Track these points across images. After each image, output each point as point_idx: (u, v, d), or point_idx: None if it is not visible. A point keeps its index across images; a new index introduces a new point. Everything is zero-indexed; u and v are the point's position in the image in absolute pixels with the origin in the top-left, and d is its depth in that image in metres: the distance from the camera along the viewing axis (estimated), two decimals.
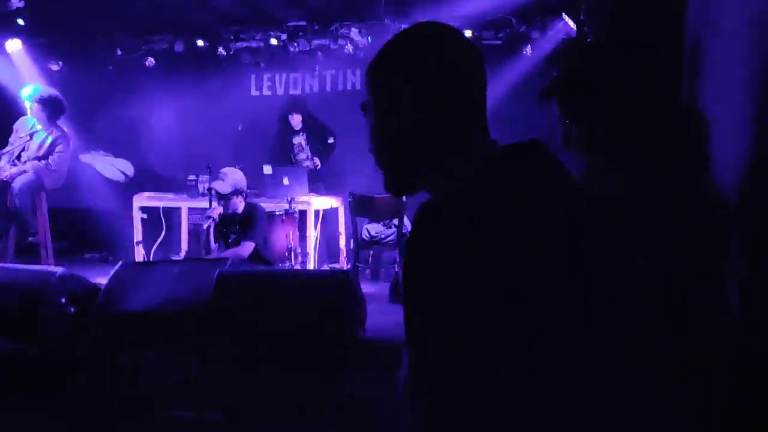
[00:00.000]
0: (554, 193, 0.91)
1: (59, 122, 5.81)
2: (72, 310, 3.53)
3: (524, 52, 6.39)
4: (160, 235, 6.19)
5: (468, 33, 6.44)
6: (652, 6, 2.46)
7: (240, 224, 4.51)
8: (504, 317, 0.84)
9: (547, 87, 1.51)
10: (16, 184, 5.47)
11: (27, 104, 5.69)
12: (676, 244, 1.29)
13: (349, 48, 6.92)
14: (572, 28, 5.75)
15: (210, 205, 4.61)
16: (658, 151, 1.43)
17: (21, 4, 6.07)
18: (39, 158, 5.63)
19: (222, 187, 4.38)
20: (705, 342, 1.29)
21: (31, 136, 5.61)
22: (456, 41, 1.03)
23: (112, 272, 3.66)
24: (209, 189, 4.47)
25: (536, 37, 6.25)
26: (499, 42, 6.51)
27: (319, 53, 7.11)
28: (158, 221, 6.18)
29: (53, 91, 5.83)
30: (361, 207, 5.21)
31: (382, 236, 5.28)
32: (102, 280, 5.18)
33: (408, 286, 1.01)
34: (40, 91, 5.74)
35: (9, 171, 5.57)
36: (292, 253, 5.15)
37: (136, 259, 6.03)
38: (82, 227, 7.31)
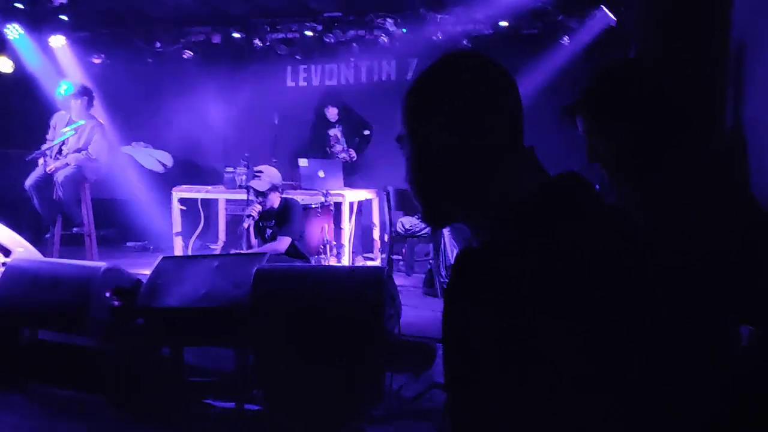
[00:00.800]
0: (584, 228, 0.91)
1: (93, 112, 5.99)
2: (116, 303, 3.64)
3: (562, 42, 6.29)
4: (198, 226, 6.30)
5: (504, 23, 6.38)
6: (695, 10, 2.40)
7: (276, 219, 4.58)
8: (529, 354, 0.85)
9: (573, 103, 1.49)
10: (60, 176, 5.64)
11: (67, 100, 5.86)
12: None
13: (385, 39, 6.91)
14: (611, 18, 5.65)
15: (247, 200, 4.68)
16: (680, 170, 1.41)
17: (64, 0, 6.21)
18: (79, 150, 5.80)
19: (259, 185, 4.44)
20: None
21: (74, 130, 5.76)
22: (483, 74, 1.02)
23: (153, 267, 3.74)
24: (247, 187, 4.55)
25: (574, 26, 6.15)
26: (536, 31, 6.43)
27: (355, 44, 7.11)
28: (196, 212, 6.29)
29: (84, 82, 6.03)
30: (396, 200, 5.24)
31: (417, 229, 5.30)
32: (143, 270, 5.32)
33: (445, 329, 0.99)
34: (74, 84, 5.92)
35: (53, 164, 5.73)
36: (328, 246, 5.20)
37: (175, 250, 6.16)
38: (123, 217, 7.50)
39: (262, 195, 4.46)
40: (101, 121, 6.02)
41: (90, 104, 5.93)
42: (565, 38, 6.24)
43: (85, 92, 5.87)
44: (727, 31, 2.27)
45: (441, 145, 1.01)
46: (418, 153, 1.04)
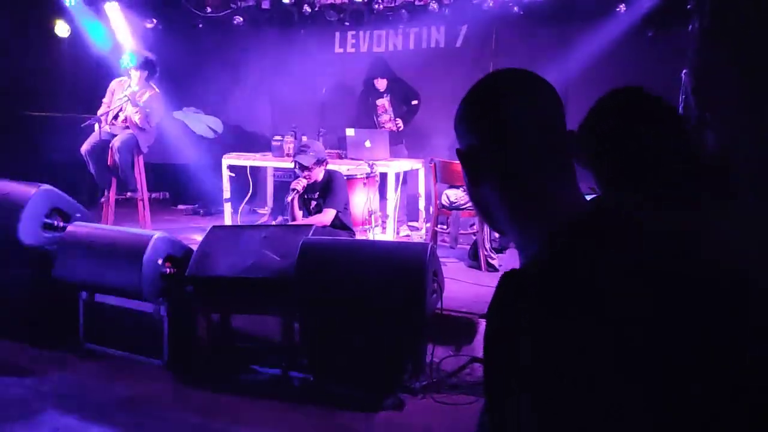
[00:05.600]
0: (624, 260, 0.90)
1: (152, 82, 6.09)
2: (168, 270, 3.77)
3: (618, 10, 6.08)
4: (247, 192, 6.42)
5: None
6: None
7: (320, 191, 4.64)
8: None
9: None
10: (116, 142, 5.80)
11: (129, 69, 5.96)
12: None
13: (434, 5, 6.80)
14: None
15: (294, 173, 4.74)
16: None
17: None
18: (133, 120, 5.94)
19: (306, 159, 4.49)
20: None
21: (130, 99, 5.89)
22: (526, 90, 1.02)
23: (203, 235, 3.85)
24: (294, 163, 4.60)
25: None
26: None
27: (404, 10, 7.03)
28: (245, 178, 6.41)
29: (149, 54, 6.11)
30: (441, 172, 5.22)
31: (462, 202, 5.28)
32: (193, 235, 5.47)
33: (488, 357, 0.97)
34: (139, 55, 6.01)
35: (109, 131, 5.91)
36: (373, 217, 5.25)
37: (225, 215, 6.31)
38: (175, 181, 7.70)
39: (307, 169, 4.52)
40: (158, 90, 6.11)
41: (151, 74, 6.03)
42: (621, 6, 6.03)
43: (147, 65, 5.96)
44: None
45: (484, 157, 1.03)
46: (465, 166, 1.06)
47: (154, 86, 6.07)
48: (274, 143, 5.99)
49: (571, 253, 0.90)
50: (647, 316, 0.84)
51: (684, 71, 2.00)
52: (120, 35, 7.33)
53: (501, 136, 1.01)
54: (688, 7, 4.35)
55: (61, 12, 7.19)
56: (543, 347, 0.85)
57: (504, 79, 1.05)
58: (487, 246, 5.20)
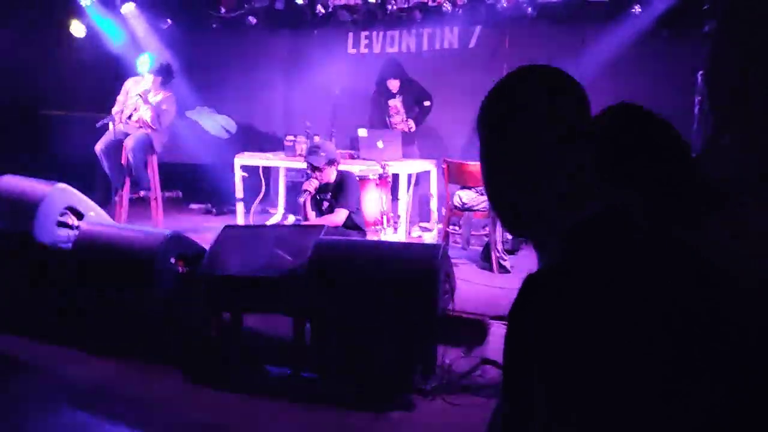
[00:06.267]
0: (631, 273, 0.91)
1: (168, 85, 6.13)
2: (180, 269, 3.79)
3: (633, 11, 6.04)
4: (259, 192, 6.44)
5: None
6: None
7: (332, 192, 4.64)
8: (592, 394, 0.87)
9: None
10: (129, 141, 5.83)
11: (145, 74, 6.00)
12: None
13: (447, 6, 6.79)
14: None
15: (306, 174, 4.76)
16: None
17: None
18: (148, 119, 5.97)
19: (317, 160, 4.50)
20: None
21: (142, 96, 5.92)
22: (548, 95, 1.01)
23: (215, 234, 3.86)
24: (306, 164, 4.61)
25: None
26: None
27: (417, 11, 7.02)
28: (258, 178, 6.43)
29: (166, 59, 6.14)
30: (454, 173, 5.21)
31: (474, 203, 5.27)
32: (206, 234, 5.49)
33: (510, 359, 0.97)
34: (156, 60, 6.04)
35: (123, 130, 5.94)
36: (385, 217, 5.24)
37: (238, 215, 6.33)
38: (188, 180, 7.73)
39: (319, 170, 4.53)
40: (171, 92, 6.14)
41: (167, 78, 6.05)
42: (636, 7, 5.98)
43: (163, 70, 5.98)
44: None
45: (501, 156, 1.03)
46: (483, 162, 1.06)
47: (169, 89, 6.10)
48: (286, 143, 6.01)
49: (589, 256, 0.92)
50: (654, 318, 0.86)
51: (700, 72, 1.98)
52: (136, 36, 7.37)
53: (518, 135, 1.00)
54: (705, 8, 4.32)
55: (77, 12, 7.24)
56: (564, 347, 0.86)
57: (526, 77, 1.04)
58: (499, 247, 5.18)
